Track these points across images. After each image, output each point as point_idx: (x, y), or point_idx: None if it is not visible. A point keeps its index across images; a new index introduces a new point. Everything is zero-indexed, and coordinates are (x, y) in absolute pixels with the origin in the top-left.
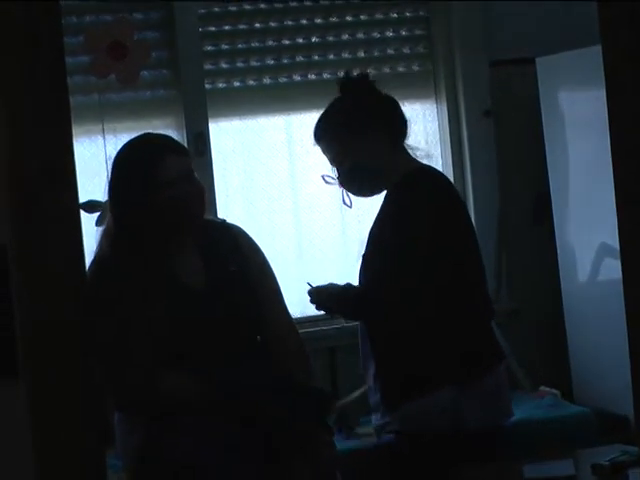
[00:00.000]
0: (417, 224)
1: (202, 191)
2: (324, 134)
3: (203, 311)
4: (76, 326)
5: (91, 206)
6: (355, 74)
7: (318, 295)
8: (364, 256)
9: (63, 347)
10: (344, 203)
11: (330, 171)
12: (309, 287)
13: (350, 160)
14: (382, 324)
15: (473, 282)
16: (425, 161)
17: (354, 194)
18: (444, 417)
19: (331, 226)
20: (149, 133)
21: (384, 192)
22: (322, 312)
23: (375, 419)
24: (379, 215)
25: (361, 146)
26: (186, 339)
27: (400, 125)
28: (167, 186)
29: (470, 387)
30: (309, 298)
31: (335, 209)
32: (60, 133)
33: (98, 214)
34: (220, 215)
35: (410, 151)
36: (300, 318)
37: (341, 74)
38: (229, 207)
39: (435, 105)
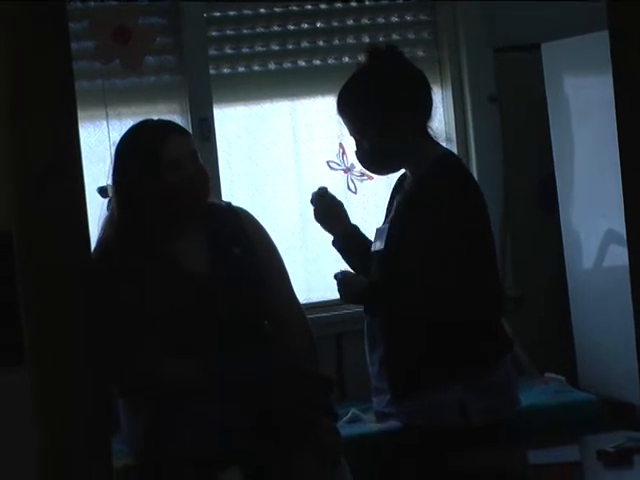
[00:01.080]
0: (458, 218)
1: (206, 173)
2: (346, 107)
3: (207, 296)
4: (81, 313)
5: (106, 190)
6: (382, 44)
7: (345, 286)
8: (390, 240)
9: (68, 334)
10: (349, 189)
11: (336, 157)
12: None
13: (372, 139)
14: (403, 315)
15: (489, 275)
16: (445, 145)
17: (370, 172)
18: (451, 412)
19: None
20: (151, 119)
21: (400, 171)
22: (328, 298)
23: (378, 403)
24: (409, 200)
25: (386, 125)
26: (190, 324)
27: (429, 105)
28: (171, 166)
29: (478, 382)
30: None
31: (340, 195)
32: (66, 120)
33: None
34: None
35: (432, 134)
36: (305, 304)
37: (346, 59)
38: (234, 193)
39: (440, 91)
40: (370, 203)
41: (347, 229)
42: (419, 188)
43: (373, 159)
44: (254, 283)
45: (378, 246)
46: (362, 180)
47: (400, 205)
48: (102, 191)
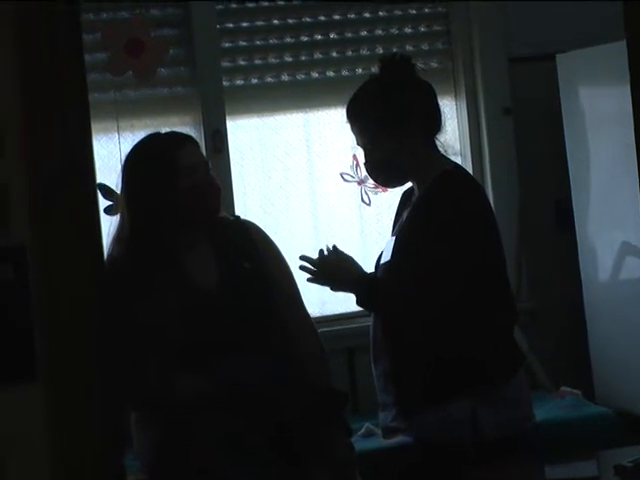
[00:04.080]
0: (463, 232)
1: (218, 185)
2: (355, 116)
3: (217, 312)
4: (95, 327)
5: (108, 191)
6: (396, 55)
7: (323, 265)
8: (395, 252)
9: (81, 349)
10: (363, 201)
11: (349, 169)
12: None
13: (381, 151)
14: (407, 326)
15: (498, 289)
16: (455, 159)
17: (377, 183)
18: (462, 426)
19: (349, 224)
20: (160, 132)
21: (407, 184)
22: (341, 311)
23: (384, 419)
24: (414, 215)
25: (395, 137)
26: (200, 340)
27: (438, 117)
28: (186, 172)
29: (489, 395)
30: (306, 264)
31: (354, 207)
32: (80, 132)
33: (110, 203)
34: (238, 213)
35: (441, 148)
36: (318, 317)
37: (359, 71)
38: (246, 205)
39: (454, 102)
40: (384, 215)
41: (366, 280)
42: (423, 203)
43: (380, 170)
44: (265, 298)
45: (385, 258)
46: (376, 192)
47: (406, 220)
48: (109, 210)
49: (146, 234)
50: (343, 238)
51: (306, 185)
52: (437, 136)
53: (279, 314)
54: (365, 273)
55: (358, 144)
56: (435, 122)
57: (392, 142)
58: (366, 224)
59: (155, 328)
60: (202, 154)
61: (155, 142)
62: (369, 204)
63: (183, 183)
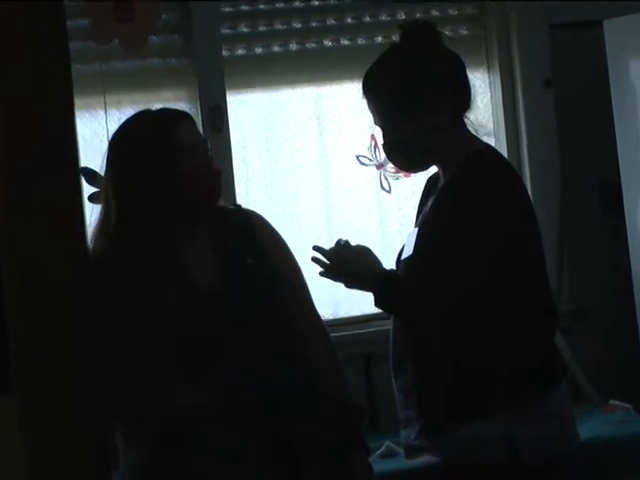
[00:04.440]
0: (495, 222)
1: (218, 169)
2: (374, 92)
3: (216, 313)
4: (78, 332)
5: (92, 176)
6: (419, 21)
7: (338, 258)
8: (418, 246)
9: (62, 359)
10: (382, 188)
11: (367, 151)
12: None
13: (401, 130)
14: (432, 332)
15: (536, 288)
16: (485, 140)
17: (397, 167)
18: (495, 446)
19: (367, 214)
20: (151, 108)
21: (433, 169)
22: (357, 313)
23: (406, 436)
24: (439, 204)
25: (418, 114)
26: (198, 345)
27: (467, 92)
28: (183, 154)
29: (527, 411)
30: (319, 256)
31: (372, 194)
32: (61, 108)
33: (95, 190)
34: (239, 202)
35: (470, 127)
36: (330, 320)
37: (378, 39)
38: (249, 192)
39: (487, 75)
40: (407, 204)
41: (386, 277)
42: (449, 189)
43: (400, 152)
44: (269, 298)
45: (406, 253)
46: (397, 177)
47: (430, 209)
48: (93, 197)
49: (135, 226)
50: (359, 230)
51: (317, 169)
52: (466, 114)
53: (286, 316)
54: (384, 269)
55: (376, 123)
56: (464, 98)
57: (414, 121)
58: (386, 214)
59: (147, 332)
60: (200, 133)
61: (147, 120)
62: (389, 191)
63: (179, 167)
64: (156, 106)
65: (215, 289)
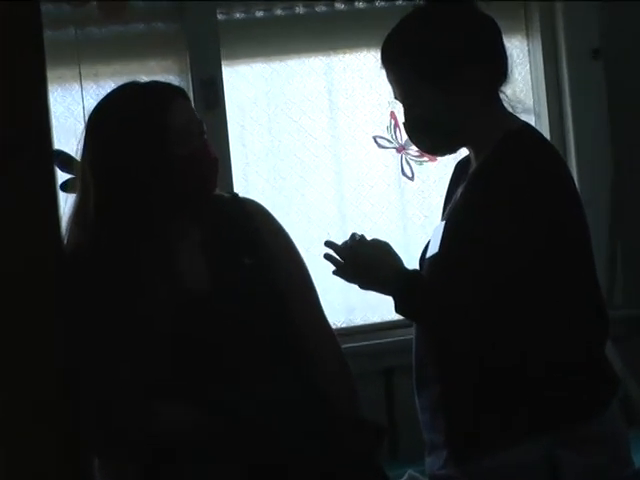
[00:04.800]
0: (536, 213)
1: (215, 154)
2: (394, 62)
3: (212, 320)
4: (49, 344)
5: (66, 160)
6: None
7: (353, 254)
8: (446, 241)
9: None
10: (404, 174)
11: (385, 131)
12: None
13: (425, 106)
14: (462, 341)
15: (587, 291)
16: (524, 118)
17: (420, 149)
18: (536, 475)
19: (386, 205)
20: (138, 80)
21: (462, 151)
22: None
23: (431, 464)
24: (470, 192)
25: (445, 88)
26: (190, 358)
27: (502, 63)
28: (175, 139)
29: (571, 434)
30: (331, 252)
31: (392, 182)
32: (30, 81)
33: (69, 177)
34: (237, 190)
35: (506, 104)
36: (344, 328)
37: (399, 1)
38: (249, 179)
39: (526, 43)
40: (432, 192)
41: (408, 278)
42: (481, 176)
43: (423, 132)
44: (270, 303)
45: (432, 250)
46: (421, 162)
47: (460, 198)
48: (67, 186)
49: (118, 217)
50: (377, 223)
51: (328, 153)
52: (502, 88)
53: (288, 320)
54: (406, 269)
55: (396, 97)
56: (499, 69)
57: (440, 95)
58: (408, 205)
59: (130, 337)
60: (196, 113)
61: (134, 94)
62: (412, 178)
63: (172, 151)
64: (142, 78)
65: (207, 288)
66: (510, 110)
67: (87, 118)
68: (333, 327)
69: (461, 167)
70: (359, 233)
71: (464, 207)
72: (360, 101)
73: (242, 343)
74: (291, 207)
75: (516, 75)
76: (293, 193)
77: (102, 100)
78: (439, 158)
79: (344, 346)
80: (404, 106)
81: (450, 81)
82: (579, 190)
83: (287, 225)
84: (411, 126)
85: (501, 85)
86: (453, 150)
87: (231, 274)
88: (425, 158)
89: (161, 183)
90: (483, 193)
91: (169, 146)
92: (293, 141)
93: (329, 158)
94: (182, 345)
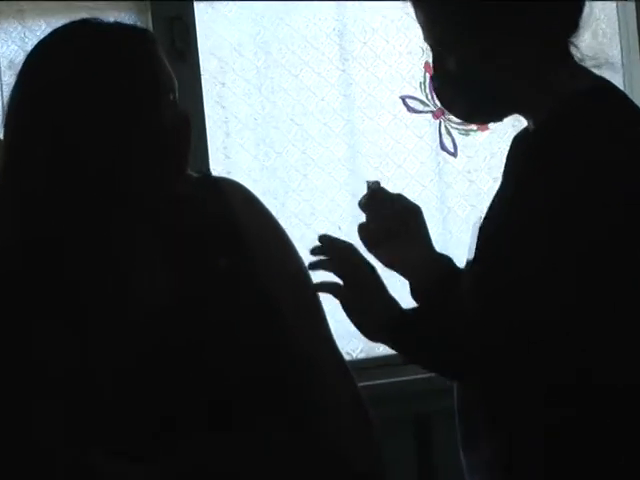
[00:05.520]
0: (618, 208)
1: (188, 119)
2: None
3: (171, 345)
4: None
5: None
6: None
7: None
8: (490, 245)
9: None
10: (443, 148)
11: (418, 89)
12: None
13: (462, 57)
14: (522, 381)
15: None
16: (604, 75)
17: (455, 115)
18: None
19: (419, 189)
20: (88, 18)
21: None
22: None
23: None
24: (524, 174)
25: (492, 35)
26: (145, 397)
27: (573, 6)
28: (141, 102)
29: None
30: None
31: (427, 159)
32: None
33: None
34: (213, 168)
35: (578, 55)
36: (363, 361)
37: None
38: (230, 154)
39: None
40: (482, 174)
41: (429, 260)
42: (539, 152)
43: (457, 92)
44: (255, 321)
45: (469, 255)
46: (467, 132)
47: (509, 185)
48: None
49: (54, 207)
50: None
51: (339, 118)
52: (572, 38)
53: (281, 352)
54: (434, 256)
55: (426, 40)
56: (567, 13)
57: (484, 42)
58: (449, 190)
59: (59, 377)
60: (167, 65)
61: (77, 40)
62: (454, 153)
63: (136, 118)
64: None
65: (168, 307)
66: (583, 64)
67: (20, 69)
68: (347, 358)
69: (519, 141)
70: (372, 180)
71: (518, 199)
72: (382, 49)
73: (212, 376)
74: (288, 194)
75: (598, 31)
76: (291, 175)
77: (39, 45)
78: (492, 126)
79: (362, 384)
80: (434, 54)
81: (497, 25)
82: None
83: (282, 219)
84: (441, 82)
85: (569, 35)
86: (498, 117)
87: (200, 282)
88: (473, 126)
89: (119, 161)
90: (542, 179)
91: (132, 112)
92: (291, 103)
93: (340, 127)
94: (136, 379)
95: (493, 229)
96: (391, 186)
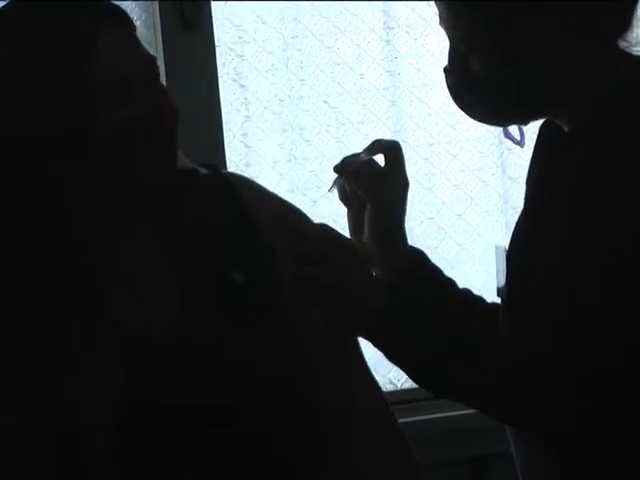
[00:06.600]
0: None
1: (174, 109)
2: None
3: (171, 387)
4: None
5: None
6: None
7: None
8: (526, 260)
9: None
10: (507, 136)
11: None
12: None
13: (487, 60)
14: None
15: None
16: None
17: (470, 117)
18: None
19: (478, 185)
20: None
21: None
22: None
23: None
24: (560, 176)
25: (529, 42)
26: (133, 455)
27: (626, 7)
28: (108, 98)
29: None
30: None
31: (488, 149)
32: None
33: None
34: (232, 161)
35: (623, 44)
36: (405, 392)
37: None
38: (250, 143)
39: None
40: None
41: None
42: (580, 151)
43: (489, 96)
44: (277, 353)
45: (501, 271)
46: None
47: (544, 187)
48: None
49: (20, 230)
50: (463, 216)
51: (383, 100)
52: (622, 37)
53: (310, 389)
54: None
55: (444, 27)
56: (618, 13)
57: (515, 45)
58: (514, 185)
59: (29, 428)
60: (140, 46)
61: (35, 20)
62: (521, 142)
63: (101, 116)
64: None
65: (169, 340)
66: (628, 50)
67: None
68: (384, 391)
69: (551, 139)
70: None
71: (555, 204)
72: (434, 15)
73: (224, 420)
74: (321, 190)
75: None
76: (324, 167)
77: None
78: None
79: (402, 421)
80: (451, 48)
81: (531, 26)
82: None
83: (313, 219)
84: (456, 82)
85: (619, 36)
86: (522, 121)
87: (210, 304)
88: None
89: (84, 169)
90: (591, 179)
91: (95, 108)
92: (324, 82)
93: (384, 109)
94: (124, 432)
95: (539, 256)
96: (444, 181)
